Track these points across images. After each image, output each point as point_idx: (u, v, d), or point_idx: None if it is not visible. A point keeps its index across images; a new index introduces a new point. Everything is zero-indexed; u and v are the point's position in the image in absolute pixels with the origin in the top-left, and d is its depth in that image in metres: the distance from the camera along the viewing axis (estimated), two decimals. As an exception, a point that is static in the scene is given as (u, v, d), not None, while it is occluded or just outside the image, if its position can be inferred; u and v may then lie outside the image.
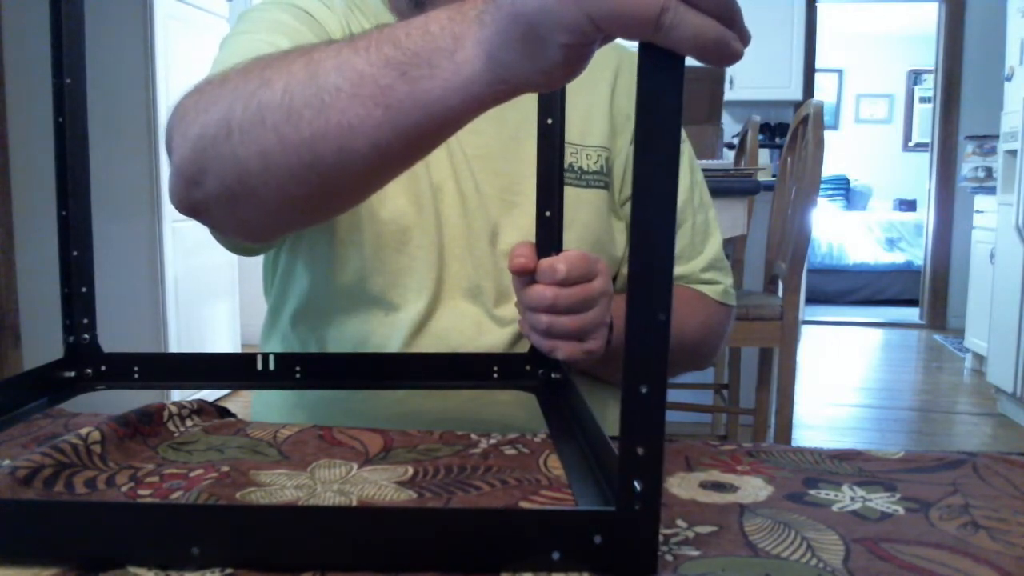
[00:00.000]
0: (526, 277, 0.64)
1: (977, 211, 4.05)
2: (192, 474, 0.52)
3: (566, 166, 0.83)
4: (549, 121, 0.66)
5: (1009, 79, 3.39)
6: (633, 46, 0.76)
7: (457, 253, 0.79)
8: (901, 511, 0.48)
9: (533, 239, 0.72)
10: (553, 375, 0.70)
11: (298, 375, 0.71)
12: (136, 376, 0.70)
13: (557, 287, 0.62)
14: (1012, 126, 3.31)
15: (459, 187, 0.80)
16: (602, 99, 0.87)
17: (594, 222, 0.84)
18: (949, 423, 3.34)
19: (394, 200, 0.77)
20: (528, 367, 0.71)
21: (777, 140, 5.14)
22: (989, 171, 4.27)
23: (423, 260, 0.78)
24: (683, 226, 0.89)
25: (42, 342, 2.73)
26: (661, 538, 0.43)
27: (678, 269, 0.87)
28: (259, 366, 0.70)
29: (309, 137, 0.48)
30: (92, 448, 0.54)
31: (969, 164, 4.52)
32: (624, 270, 0.89)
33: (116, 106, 2.82)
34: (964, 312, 4.24)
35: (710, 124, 3.11)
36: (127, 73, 2.88)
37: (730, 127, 4.81)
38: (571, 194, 0.82)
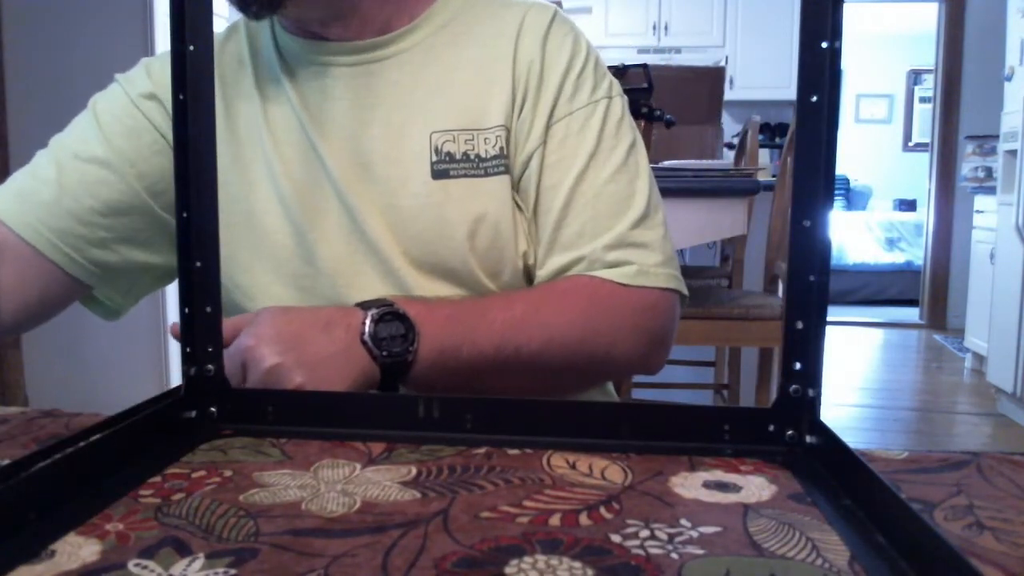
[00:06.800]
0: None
1: (977, 211, 4.05)
2: (194, 475, 0.52)
3: (459, 156, 0.76)
4: (814, 99, 0.52)
5: (1009, 79, 3.40)
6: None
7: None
8: (906, 511, 0.48)
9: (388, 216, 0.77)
10: (808, 438, 0.54)
11: (470, 424, 0.58)
12: (270, 417, 0.59)
13: None
14: (1012, 126, 3.31)
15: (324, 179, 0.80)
16: (502, 70, 0.79)
17: (496, 213, 0.77)
18: (949, 423, 3.35)
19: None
20: (771, 427, 0.54)
21: (777, 140, 5.15)
22: (989, 171, 4.28)
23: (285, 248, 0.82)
24: (577, 203, 0.76)
25: (42, 342, 2.73)
26: (666, 536, 0.43)
27: (569, 256, 0.77)
28: (421, 412, 0.58)
29: None
30: (94, 448, 0.53)
31: (969, 164, 4.53)
32: (530, 262, 0.79)
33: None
34: (964, 312, 4.25)
35: (710, 124, 3.11)
36: (127, 73, 2.88)
37: (730, 127, 4.82)
38: (468, 186, 0.76)
